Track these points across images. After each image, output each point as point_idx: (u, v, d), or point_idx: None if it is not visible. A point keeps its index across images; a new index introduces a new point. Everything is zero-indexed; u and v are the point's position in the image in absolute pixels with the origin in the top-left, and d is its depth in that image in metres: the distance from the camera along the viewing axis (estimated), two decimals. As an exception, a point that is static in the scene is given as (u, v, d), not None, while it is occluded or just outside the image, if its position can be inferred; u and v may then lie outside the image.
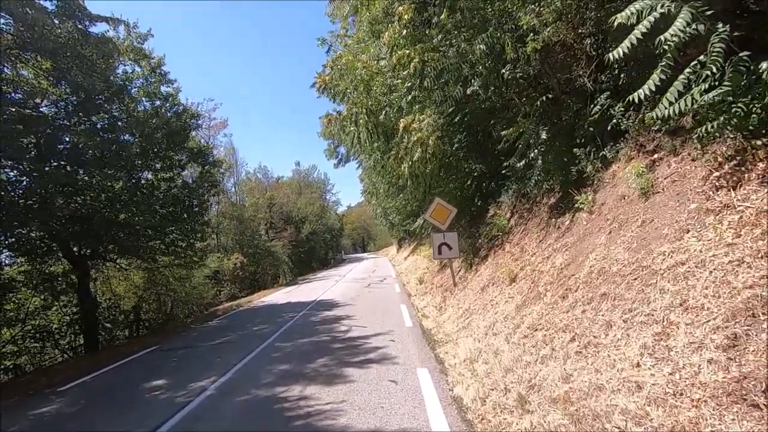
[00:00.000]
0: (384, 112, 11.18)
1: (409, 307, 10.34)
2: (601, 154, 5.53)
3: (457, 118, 10.92)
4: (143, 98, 12.26)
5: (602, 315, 3.62)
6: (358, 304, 11.94)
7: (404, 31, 8.55)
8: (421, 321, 8.42)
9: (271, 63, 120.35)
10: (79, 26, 9.82)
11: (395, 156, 9.57)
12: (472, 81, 6.84)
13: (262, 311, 13.50)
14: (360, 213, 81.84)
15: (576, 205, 5.47)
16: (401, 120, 8.95)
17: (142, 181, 12.65)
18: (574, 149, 6.04)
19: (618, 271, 3.86)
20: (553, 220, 6.12)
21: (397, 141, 9.94)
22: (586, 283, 4.19)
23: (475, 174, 12.14)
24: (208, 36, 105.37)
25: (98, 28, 11.40)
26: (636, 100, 3.59)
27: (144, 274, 15.33)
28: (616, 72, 5.07)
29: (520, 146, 6.72)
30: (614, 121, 5.25)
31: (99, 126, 9.52)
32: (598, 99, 5.36)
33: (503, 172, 10.34)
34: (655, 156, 4.59)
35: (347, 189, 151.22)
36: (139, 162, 12.24)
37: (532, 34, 5.35)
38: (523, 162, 6.79)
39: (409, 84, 9.83)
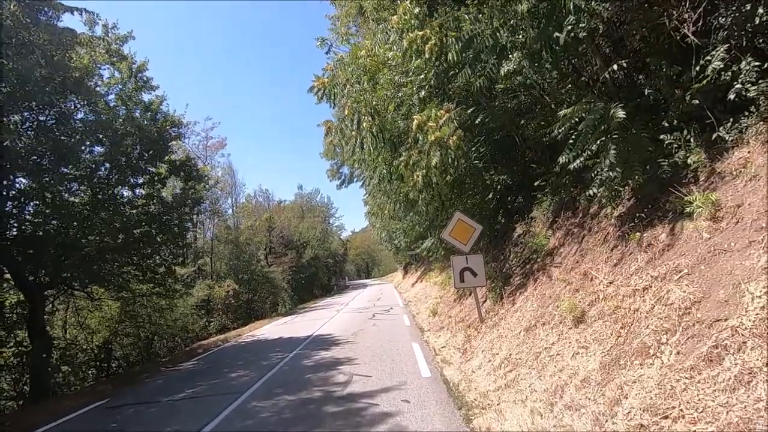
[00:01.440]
0: (390, 115, 9.60)
1: (424, 347, 8.43)
2: (714, 135, 3.80)
3: (478, 119, 9.33)
4: (120, 106, 10.79)
5: None
6: (360, 342, 10.01)
7: (417, 9, 7.04)
8: (442, 369, 6.51)
9: (276, 89, 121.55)
10: (42, 18, 8.49)
11: (406, 163, 7.89)
12: (512, 54, 5.20)
13: (248, 349, 11.56)
14: (364, 238, 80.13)
15: (686, 211, 3.68)
16: (415, 117, 7.32)
17: (117, 197, 11.01)
18: (662, 135, 4.33)
19: None
20: (636, 234, 4.32)
21: (409, 145, 8.29)
22: (764, 338, 2.36)
23: (498, 187, 10.43)
24: (211, 56, 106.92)
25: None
26: None
27: (119, 304, 13.52)
28: (749, 7, 3.40)
29: (576, 136, 5.01)
30: (738, 85, 3.55)
31: (49, 125, 7.98)
32: (712, 55, 3.67)
33: (536, 183, 8.68)
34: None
35: (351, 214, 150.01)
36: (112, 176, 10.68)
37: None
38: (580, 160, 5.04)
39: (423, 76, 8.30)
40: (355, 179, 32.87)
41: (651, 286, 3.59)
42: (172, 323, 14.82)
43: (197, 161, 12.36)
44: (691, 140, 4.06)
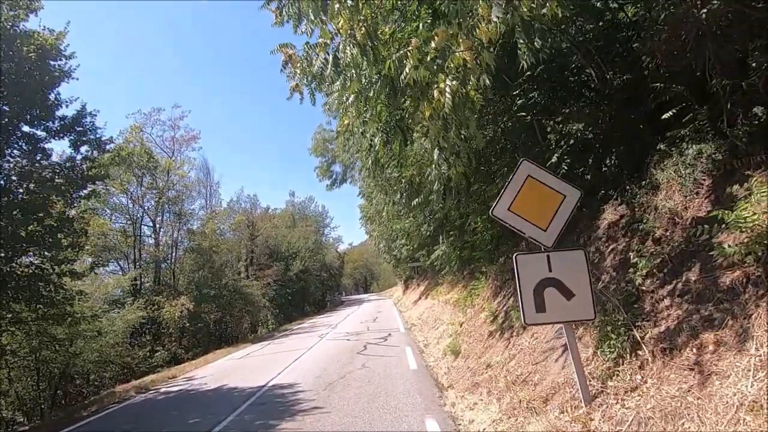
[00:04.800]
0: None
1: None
2: None
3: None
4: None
5: None
6: (334, 408, 5.78)
7: None
8: None
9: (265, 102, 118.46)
10: None
11: (419, 57, 3.74)
12: None
13: (152, 415, 7.28)
14: (362, 251, 76.05)
15: None
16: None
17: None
18: None
19: None
20: None
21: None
22: None
23: (571, 143, 6.24)
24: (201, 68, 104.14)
25: None
26: None
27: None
28: None
29: None
30: None
31: None
32: None
33: (666, 115, 4.60)
34: None
35: (350, 228, 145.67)
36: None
37: None
38: None
39: None
40: (348, 179, 28.94)
41: None
42: (71, 357, 10.39)
43: (96, 118, 8.19)
44: None
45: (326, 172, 27.42)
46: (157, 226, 21.64)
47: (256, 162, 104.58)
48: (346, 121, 8.60)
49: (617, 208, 5.51)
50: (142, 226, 20.55)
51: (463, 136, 4.83)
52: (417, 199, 9.64)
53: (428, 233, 15.22)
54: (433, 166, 5.65)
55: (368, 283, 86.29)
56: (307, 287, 39.23)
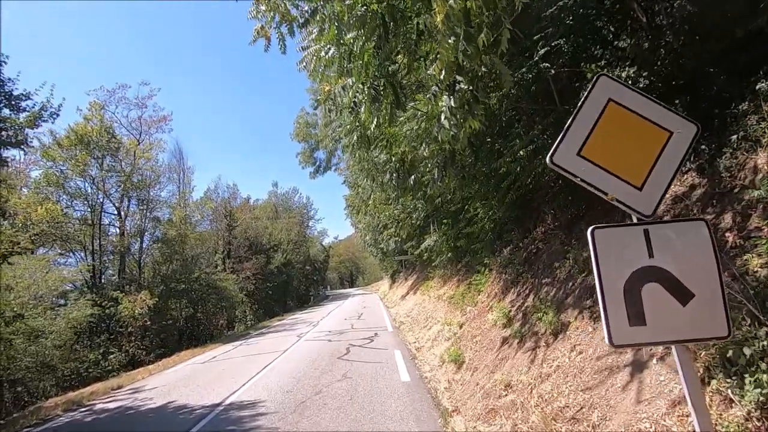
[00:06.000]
0: None
1: None
2: None
3: None
4: None
5: None
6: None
7: None
8: None
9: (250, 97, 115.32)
10: None
11: None
12: None
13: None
14: (348, 245, 74.61)
15: None
16: None
17: None
18: None
19: None
20: None
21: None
22: None
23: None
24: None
25: None
26: None
27: None
28: None
29: None
30: None
31: None
32: None
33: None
34: None
35: (336, 223, 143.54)
36: None
37: None
38: None
39: None
40: (332, 167, 27.25)
41: None
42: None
43: (4, 66, 6.41)
44: None
45: (309, 159, 25.69)
46: (122, 213, 19.71)
47: (237, 153, 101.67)
48: (326, 88, 6.98)
49: (685, 176, 4.15)
50: (104, 214, 18.62)
51: (488, 64, 3.38)
52: (413, 177, 8.17)
53: (419, 222, 13.82)
54: (441, 117, 4.15)
55: (354, 278, 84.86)
56: (290, 281, 37.57)
